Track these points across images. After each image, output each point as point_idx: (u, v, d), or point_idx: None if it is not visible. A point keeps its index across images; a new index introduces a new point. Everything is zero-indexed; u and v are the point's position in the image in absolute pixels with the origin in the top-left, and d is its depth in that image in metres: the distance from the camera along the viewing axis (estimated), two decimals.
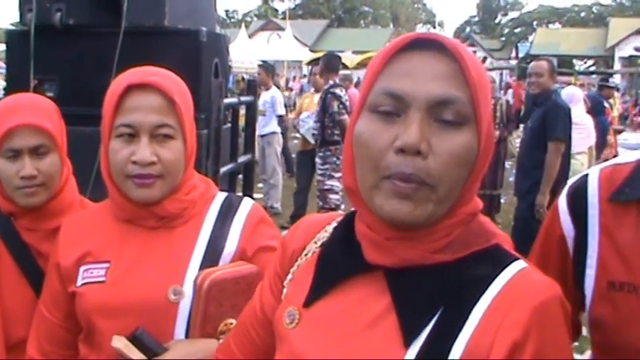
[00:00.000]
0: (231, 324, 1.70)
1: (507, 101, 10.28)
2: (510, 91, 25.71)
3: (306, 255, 1.31)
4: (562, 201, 1.61)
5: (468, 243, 1.15)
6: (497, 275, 1.11)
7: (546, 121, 6.21)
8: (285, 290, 1.32)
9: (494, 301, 1.08)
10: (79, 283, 1.74)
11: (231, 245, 1.75)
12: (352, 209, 1.26)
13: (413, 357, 1.07)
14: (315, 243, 1.31)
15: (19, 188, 1.90)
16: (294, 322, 1.23)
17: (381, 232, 1.15)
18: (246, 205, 1.83)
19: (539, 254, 1.67)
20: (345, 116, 7.87)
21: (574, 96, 8.79)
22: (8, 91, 3.69)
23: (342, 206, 8.18)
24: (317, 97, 9.50)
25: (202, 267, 1.69)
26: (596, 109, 9.94)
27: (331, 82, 8.16)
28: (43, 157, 1.91)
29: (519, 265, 1.14)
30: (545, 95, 6.42)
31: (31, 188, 1.90)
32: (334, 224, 1.31)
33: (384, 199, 1.10)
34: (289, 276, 1.32)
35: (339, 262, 1.22)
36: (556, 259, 1.62)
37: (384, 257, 1.14)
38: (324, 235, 1.30)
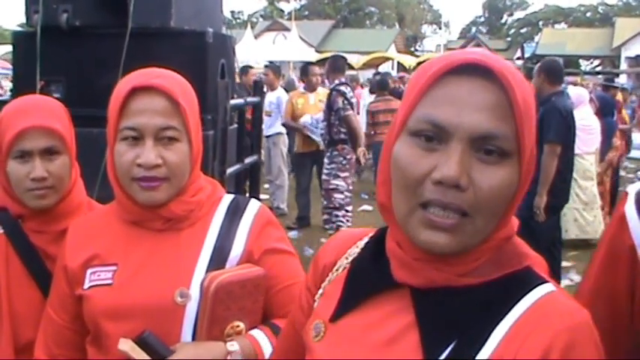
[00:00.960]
0: (238, 327, 1.70)
1: None
2: None
3: (337, 270, 1.30)
4: (630, 209, 1.51)
5: (499, 266, 1.12)
6: (522, 298, 1.08)
7: (543, 123, 6.22)
8: (315, 305, 1.32)
9: (516, 324, 1.06)
10: (86, 285, 1.74)
11: (238, 248, 1.75)
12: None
13: None
14: (347, 259, 1.29)
15: (29, 190, 1.90)
16: (320, 336, 1.23)
17: (410, 251, 1.13)
18: (253, 207, 1.82)
19: (603, 267, 1.59)
20: (350, 112, 7.87)
21: (581, 97, 8.78)
22: (15, 92, 3.70)
23: (348, 207, 8.18)
24: (312, 96, 9.50)
25: (209, 269, 1.69)
26: (604, 110, 9.88)
27: (337, 81, 8.15)
28: (54, 158, 1.92)
29: (546, 288, 1.11)
30: (544, 97, 6.40)
31: (41, 190, 1.90)
32: (366, 239, 1.30)
33: (420, 227, 1.07)
34: (320, 290, 1.32)
35: (367, 279, 1.21)
36: (625, 270, 1.54)
37: (411, 277, 1.13)
38: (355, 250, 1.29)
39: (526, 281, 1.12)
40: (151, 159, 1.64)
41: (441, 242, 1.06)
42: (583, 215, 8.65)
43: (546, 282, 1.12)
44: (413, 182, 1.07)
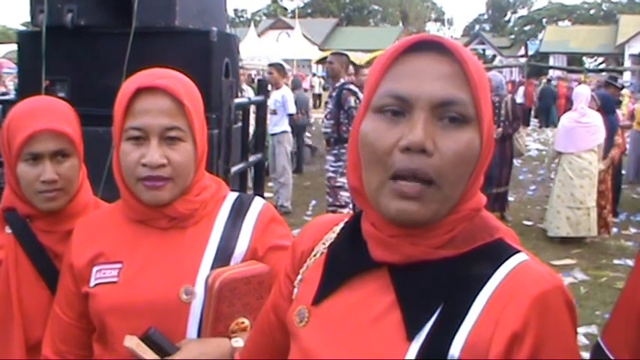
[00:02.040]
0: (243, 323, 1.72)
1: (513, 99, 10.23)
2: (521, 88, 25.54)
3: (314, 256, 1.33)
4: None
5: (472, 238, 1.16)
6: (497, 268, 1.12)
7: None
8: (295, 291, 1.34)
9: (494, 294, 1.09)
10: (91, 283, 1.75)
11: (242, 245, 1.76)
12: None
13: (415, 352, 1.09)
14: (324, 244, 1.33)
15: (39, 192, 1.91)
16: (304, 321, 1.25)
17: (385, 230, 1.16)
18: (257, 204, 1.84)
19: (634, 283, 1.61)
20: None
21: (581, 95, 8.81)
22: (20, 91, 3.72)
23: (351, 204, 8.19)
24: (360, 95, 9.54)
25: (214, 267, 1.70)
26: (606, 108, 9.88)
27: (342, 80, 8.15)
28: (63, 161, 1.92)
29: (520, 257, 1.14)
30: None
31: (51, 193, 1.91)
32: (342, 225, 1.33)
33: (390, 199, 1.12)
34: (299, 277, 1.34)
35: (345, 261, 1.25)
36: None
37: (388, 254, 1.16)
38: (332, 236, 1.32)
39: (500, 252, 1.15)
40: (156, 159, 1.66)
41: (410, 210, 1.10)
42: (576, 213, 8.67)
43: (519, 252, 1.16)
44: (382, 155, 1.12)
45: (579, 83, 15.53)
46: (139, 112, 1.67)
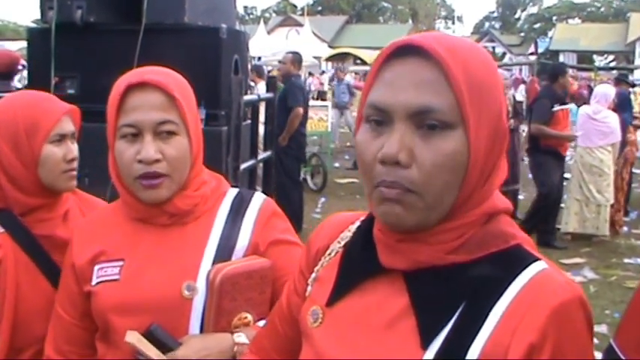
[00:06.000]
0: (246, 318, 1.72)
1: (513, 95, 10.28)
2: (522, 86, 25.44)
3: (329, 254, 1.32)
4: None
5: (485, 244, 1.13)
6: (517, 276, 1.10)
7: None
8: (309, 289, 1.34)
9: (513, 302, 1.07)
10: (93, 282, 1.75)
11: (243, 240, 1.76)
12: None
13: (431, 358, 1.08)
14: (339, 243, 1.31)
15: (65, 172, 1.95)
16: (318, 322, 1.25)
17: (391, 234, 1.15)
18: (258, 199, 1.84)
19: None
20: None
21: (598, 93, 8.78)
22: (29, 88, 3.72)
23: None
24: None
25: (215, 262, 1.71)
26: (621, 106, 9.82)
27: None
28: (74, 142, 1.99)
29: (539, 266, 1.12)
30: None
31: (74, 171, 1.98)
32: (357, 224, 1.31)
33: (377, 205, 1.12)
34: (313, 275, 1.34)
35: (359, 263, 1.23)
36: None
37: (397, 260, 1.15)
38: (347, 234, 1.31)
39: (518, 259, 1.13)
40: (151, 154, 1.66)
41: (393, 212, 1.10)
42: (583, 209, 8.63)
43: (538, 259, 1.14)
44: (367, 166, 1.12)
45: (589, 81, 15.41)
46: (131, 109, 1.67)
